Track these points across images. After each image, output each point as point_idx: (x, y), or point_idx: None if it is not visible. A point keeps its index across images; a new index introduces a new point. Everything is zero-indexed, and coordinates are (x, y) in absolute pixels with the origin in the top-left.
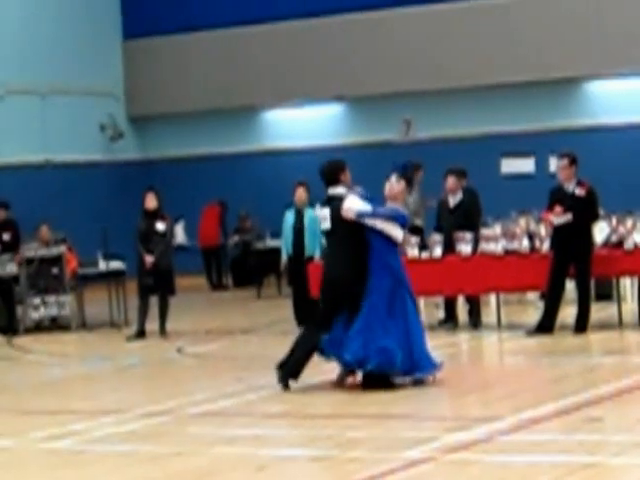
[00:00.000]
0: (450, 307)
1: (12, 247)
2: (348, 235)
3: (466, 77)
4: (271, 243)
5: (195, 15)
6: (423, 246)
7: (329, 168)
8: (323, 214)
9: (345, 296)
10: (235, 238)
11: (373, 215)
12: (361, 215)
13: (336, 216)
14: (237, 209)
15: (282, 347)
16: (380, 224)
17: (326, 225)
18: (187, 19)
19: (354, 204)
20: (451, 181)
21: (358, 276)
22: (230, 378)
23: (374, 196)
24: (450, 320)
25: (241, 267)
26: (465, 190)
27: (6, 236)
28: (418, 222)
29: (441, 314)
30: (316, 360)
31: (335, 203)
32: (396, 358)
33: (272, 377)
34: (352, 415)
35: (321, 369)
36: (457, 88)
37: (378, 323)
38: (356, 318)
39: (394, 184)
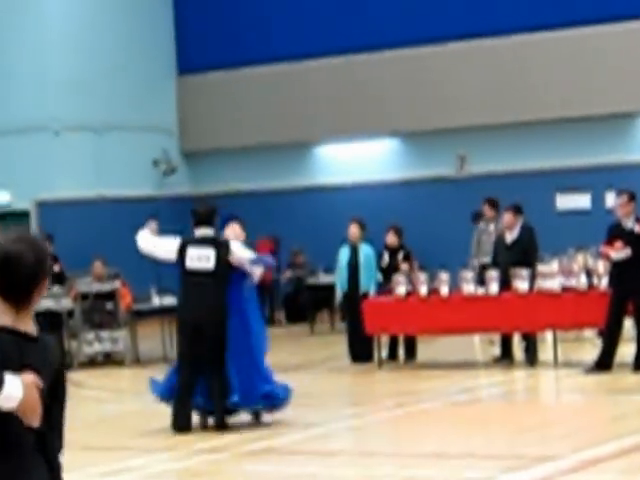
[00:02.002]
0: (506, 344)
1: (60, 279)
2: (225, 279)
3: (521, 112)
4: (324, 279)
5: (249, 50)
6: (480, 282)
7: (205, 209)
8: (205, 254)
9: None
10: (288, 273)
11: (257, 262)
12: (252, 262)
13: (223, 259)
14: (290, 244)
15: (336, 384)
16: (257, 270)
17: (208, 266)
18: (241, 54)
19: (244, 251)
20: (508, 217)
21: (225, 319)
22: (282, 415)
23: None
24: (506, 357)
25: (294, 303)
26: (522, 226)
27: (56, 267)
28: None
29: (496, 351)
30: (367, 399)
31: (221, 246)
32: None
33: (326, 414)
34: (409, 453)
35: (375, 407)
36: (512, 123)
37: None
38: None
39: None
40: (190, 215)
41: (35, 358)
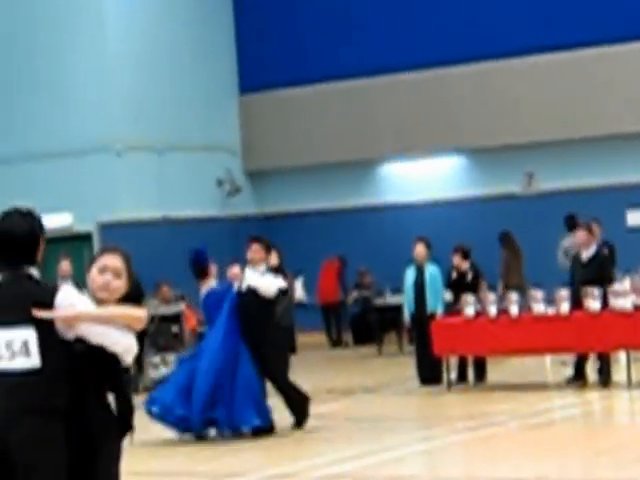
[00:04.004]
0: (580, 365)
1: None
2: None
3: (589, 127)
4: (391, 299)
5: (313, 67)
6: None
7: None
8: None
9: None
10: (355, 294)
11: None
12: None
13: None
14: (356, 264)
15: (405, 407)
16: None
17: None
18: (304, 71)
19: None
20: (582, 235)
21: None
22: (353, 439)
23: None
24: (579, 378)
25: (361, 324)
26: (602, 242)
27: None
28: None
29: (569, 372)
30: (437, 422)
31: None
32: None
33: (397, 438)
34: (482, 477)
35: (445, 430)
36: (580, 138)
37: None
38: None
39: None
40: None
41: None
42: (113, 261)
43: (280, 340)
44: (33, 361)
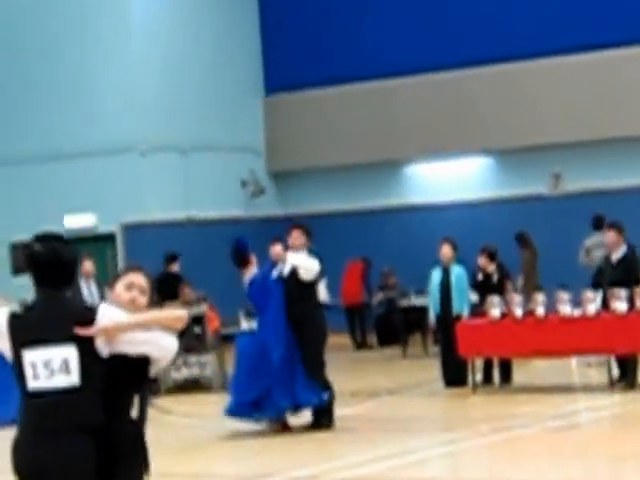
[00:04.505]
0: (627, 366)
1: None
2: None
3: (616, 128)
4: (416, 301)
5: (337, 68)
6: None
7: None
8: None
9: None
10: (379, 295)
11: None
12: None
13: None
14: (381, 266)
15: (430, 409)
16: None
17: None
18: (328, 72)
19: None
20: (612, 236)
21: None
22: (377, 441)
23: None
24: (625, 379)
25: (386, 325)
26: (629, 245)
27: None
28: None
29: (615, 372)
30: (461, 424)
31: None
32: None
33: (421, 440)
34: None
35: (470, 432)
36: (607, 139)
37: None
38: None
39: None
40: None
41: None
42: (139, 279)
43: (321, 323)
44: (72, 379)
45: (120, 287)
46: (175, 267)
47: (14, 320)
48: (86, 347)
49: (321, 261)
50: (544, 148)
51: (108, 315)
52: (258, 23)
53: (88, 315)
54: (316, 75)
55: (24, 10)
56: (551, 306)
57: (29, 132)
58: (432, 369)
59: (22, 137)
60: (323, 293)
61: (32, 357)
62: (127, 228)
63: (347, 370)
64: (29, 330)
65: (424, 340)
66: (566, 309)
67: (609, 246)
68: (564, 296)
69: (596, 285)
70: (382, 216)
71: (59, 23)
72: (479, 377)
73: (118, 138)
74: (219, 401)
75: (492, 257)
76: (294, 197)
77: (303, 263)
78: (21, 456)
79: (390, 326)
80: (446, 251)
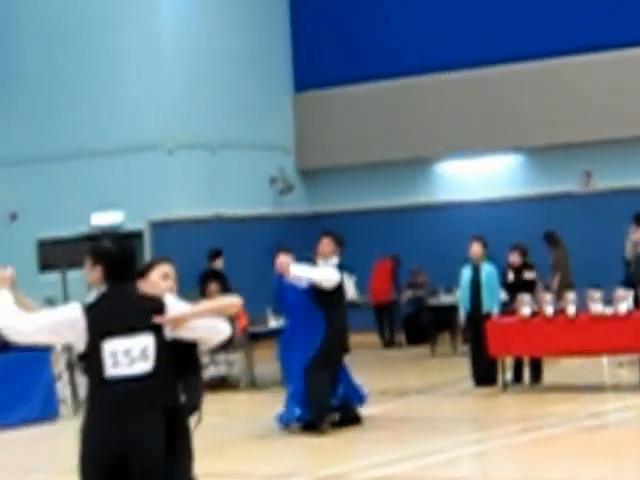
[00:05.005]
0: None
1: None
2: None
3: None
4: (445, 299)
5: (366, 66)
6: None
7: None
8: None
9: None
10: (408, 294)
11: None
12: None
13: None
14: (409, 264)
15: (459, 408)
16: None
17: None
18: (358, 70)
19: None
20: None
21: None
22: (406, 441)
23: None
24: None
25: (414, 324)
26: None
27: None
28: None
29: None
30: (491, 423)
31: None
32: None
33: (450, 439)
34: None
35: (500, 432)
36: (639, 136)
37: None
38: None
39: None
40: None
41: None
42: (170, 269)
43: (335, 336)
44: (150, 365)
45: (156, 276)
46: (219, 263)
47: (90, 313)
48: (159, 335)
49: (343, 269)
50: (575, 146)
51: (175, 305)
52: (288, 20)
53: (160, 305)
54: (345, 72)
55: (53, 8)
56: (582, 305)
57: (56, 130)
58: (461, 368)
59: (50, 135)
60: (351, 291)
61: (113, 346)
62: (154, 225)
63: (375, 369)
64: (109, 321)
65: (453, 339)
66: (597, 308)
67: None
68: (595, 295)
69: (628, 284)
70: (411, 214)
71: (87, 21)
72: (509, 376)
73: (146, 135)
74: (246, 400)
75: (524, 254)
76: (322, 195)
77: (314, 275)
78: (102, 439)
79: (419, 324)
80: (476, 249)
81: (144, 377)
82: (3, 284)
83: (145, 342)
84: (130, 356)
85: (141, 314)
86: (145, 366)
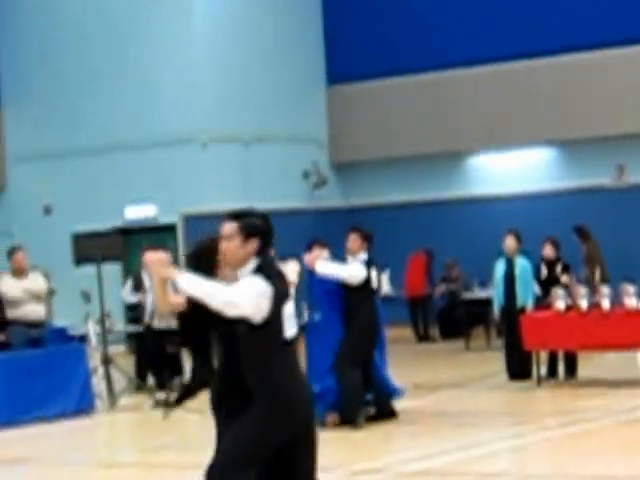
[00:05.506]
0: None
1: None
2: None
3: None
4: (479, 293)
5: (400, 59)
6: None
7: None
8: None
9: None
10: (442, 287)
11: None
12: None
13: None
14: (443, 257)
15: (494, 402)
16: None
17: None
18: (391, 63)
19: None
20: None
21: None
22: (440, 435)
23: None
24: None
25: (448, 318)
26: None
27: None
28: None
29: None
30: (526, 418)
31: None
32: None
33: (486, 434)
34: (573, 475)
35: (535, 426)
36: None
37: None
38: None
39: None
40: None
41: None
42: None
43: (364, 332)
44: (295, 327)
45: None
46: (271, 252)
47: (270, 282)
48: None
49: (373, 264)
50: (608, 139)
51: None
52: (320, 13)
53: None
54: (379, 66)
55: (90, 6)
56: (616, 299)
57: (91, 124)
58: (495, 362)
59: (84, 129)
60: (386, 285)
61: (287, 311)
62: (188, 219)
63: (410, 363)
64: (282, 288)
65: (487, 333)
66: (632, 302)
67: None
68: (630, 289)
69: None
70: (445, 207)
71: (122, 16)
72: (544, 370)
73: (179, 129)
74: None
75: (556, 247)
76: (356, 188)
77: (339, 271)
78: (303, 398)
79: (453, 318)
80: (510, 242)
81: (295, 339)
82: (162, 266)
83: (291, 306)
84: (290, 319)
85: (286, 281)
86: (294, 329)
